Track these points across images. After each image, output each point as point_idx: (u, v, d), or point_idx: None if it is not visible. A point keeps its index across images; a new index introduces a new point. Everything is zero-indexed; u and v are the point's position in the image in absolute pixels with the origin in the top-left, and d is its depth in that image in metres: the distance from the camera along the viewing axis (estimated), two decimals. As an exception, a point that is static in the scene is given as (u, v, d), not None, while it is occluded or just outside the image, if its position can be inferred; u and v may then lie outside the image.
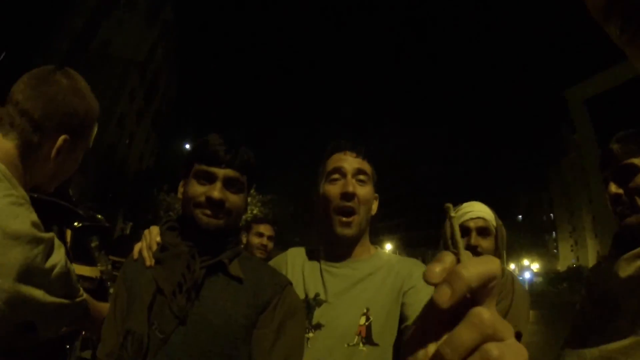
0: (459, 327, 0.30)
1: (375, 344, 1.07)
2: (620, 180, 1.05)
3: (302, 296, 1.18)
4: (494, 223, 1.59)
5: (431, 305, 0.31)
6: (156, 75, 31.41)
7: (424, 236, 63.23)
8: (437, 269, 0.32)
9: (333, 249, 1.26)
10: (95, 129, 1.07)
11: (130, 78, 26.37)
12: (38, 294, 0.82)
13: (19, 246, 0.78)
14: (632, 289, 0.94)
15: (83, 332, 3.18)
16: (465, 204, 1.65)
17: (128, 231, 23.99)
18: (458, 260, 0.33)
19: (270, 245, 2.95)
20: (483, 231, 1.56)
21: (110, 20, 25.30)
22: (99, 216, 4.61)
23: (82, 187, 15.81)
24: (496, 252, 1.56)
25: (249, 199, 1.20)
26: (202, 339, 0.95)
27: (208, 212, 1.03)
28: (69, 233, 3.48)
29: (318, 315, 1.15)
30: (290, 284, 1.11)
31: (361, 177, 1.24)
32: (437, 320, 0.32)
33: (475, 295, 0.31)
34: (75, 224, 3.65)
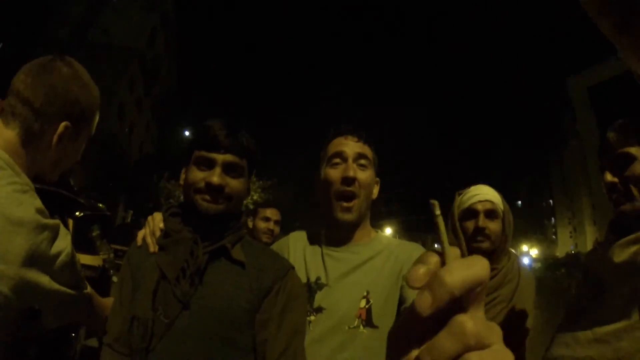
0: (440, 335, 0.29)
1: (375, 327, 1.10)
2: (615, 169, 1.07)
3: (303, 280, 1.19)
4: (502, 206, 1.60)
5: (413, 309, 0.30)
6: (156, 63, 31.11)
7: (424, 220, 63.42)
8: (421, 271, 0.31)
9: (334, 233, 1.27)
10: (97, 117, 1.07)
11: (129, 67, 26.14)
12: (44, 280, 0.82)
13: (24, 233, 0.78)
14: (625, 275, 0.96)
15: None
16: (472, 187, 1.65)
17: (129, 219, 24.02)
18: (444, 262, 0.31)
19: (277, 229, 2.92)
20: (491, 214, 1.56)
21: (109, 8, 25.01)
22: (101, 205, 4.62)
23: (83, 176, 15.81)
24: (503, 235, 1.57)
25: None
26: (206, 324, 0.97)
27: (208, 197, 1.04)
28: (70, 223, 3.50)
29: (319, 298, 1.17)
30: (293, 268, 1.12)
31: (362, 161, 1.24)
32: (420, 324, 0.30)
33: (460, 300, 0.29)
34: (77, 213, 3.66)
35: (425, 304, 0.28)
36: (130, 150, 27.10)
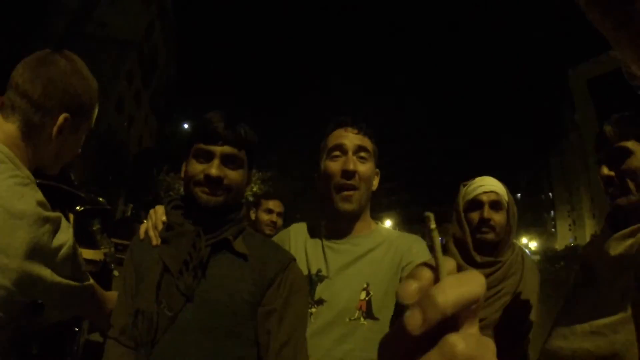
0: (429, 354, 0.28)
1: (376, 318, 1.11)
2: (612, 163, 1.08)
3: (305, 272, 1.20)
4: (506, 198, 1.60)
5: (402, 326, 0.28)
6: (154, 55, 30.99)
7: (424, 213, 63.62)
8: (412, 286, 0.29)
9: (334, 225, 1.28)
10: (97, 109, 1.07)
11: (127, 59, 26.02)
12: (46, 273, 0.83)
13: (26, 226, 0.78)
14: (621, 268, 0.97)
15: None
16: (477, 178, 1.65)
17: (129, 213, 24.07)
18: (437, 277, 0.30)
19: (280, 221, 2.86)
20: (495, 205, 1.56)
21: (105, 1, 24.81)
22: (101, 199, 4.63)
23: (83, 170, 15.81)
24: (507, 227, 1.57)
25: None
26: (209, 316, 0.98)
27: (206, 189, 1.04)
28: (71, 217, 3.50)
29: (320, 290, 1.18)
30: (294, 260, 1.12)
31: (362, 154, 1.24)
32: (410, 339, 0.28)
33: (454, 316, 0.28)
34: (78, 207, 3.66)
35: (415, 323, 0.27)
36: (130, 144, 27.03)
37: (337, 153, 1.25)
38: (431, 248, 0.30)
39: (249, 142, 1.10)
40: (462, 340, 0.27)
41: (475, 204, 1.59)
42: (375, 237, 1.26)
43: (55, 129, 0.94)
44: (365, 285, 1.16)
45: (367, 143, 1.26)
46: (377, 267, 1.18)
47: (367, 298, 1.14)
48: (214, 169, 1.03)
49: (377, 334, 1.08)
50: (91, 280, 1.02)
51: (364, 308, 1.13)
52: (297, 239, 1.33)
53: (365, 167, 1.24)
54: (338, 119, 1.32)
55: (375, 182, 1.31)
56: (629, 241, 0.97)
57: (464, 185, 1.68)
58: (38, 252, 0.81)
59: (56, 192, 3.21)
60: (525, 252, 1.68)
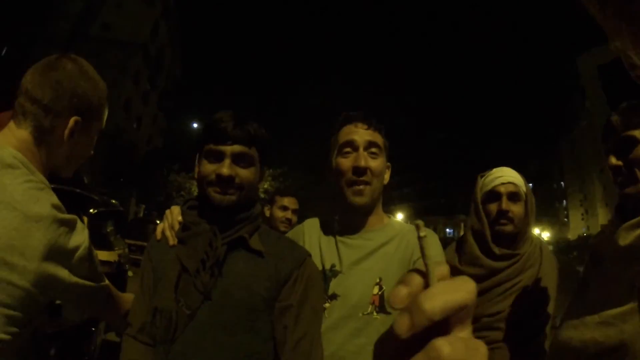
0: (416, 357, 0.28)
1: (388, 313, 1.13)
2: (619, 152, 1.07)
3: (319, 267, 1.22)
4: (524, 189, 1.58)
5: (392, 329, 0.29)
6: (160, 55, 31.08)
7: (436, 204, 63.26)
8: (402, 292, 0.30)
9: (347, 219, 1.30)
10: (106, 111, 1.09)
11: (133, 61, 26.16)
12: (63, 273, 0.85)
13: (42, 228, 0.81)
14: (630, 258, 0.97)
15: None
16: (495, 169, 1.62)
17: (141, 214, 24.28)
18: (427, 284, 0.30)
19: (295, 218, 2.83)
20: (513, 196, 1.54)
21: (109, 3, 24.95)
22: (113, 201, 4.70)
23: (94, 172, 15.99)
24: (525, 218, 1.55)
25: None
26: (226, 313, 1.00)
27: (219, 189, 1.06)
28: (85, 220, 3.56)
29: (334, 285, 1.20)
30: (309, 255, 1.14)
31: (373, 149, 1.25)
32: (400, 342, 0.29)
33: (444, 320, 0.29)
34: (91, 210, 3.72)
35: (403, 327, 0.28)
36: (139, 144, 27.23)
37: (348, 149, 1.25)
38: (422, 255, 0.31)
39: (259, 140, 1.11)
40: (448, 345, 0.28)
41: (493, 195, 1.56)
42: (388, 231, 1.27)
43: (66, 132, 0.96)
44: (377, 280, 1.17)
45: (377, 138, 1.27)
46: (389, 262, 1.20)
47: (379, 292, 1.16)
48: (225, 169, 1.04)
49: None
50: (107, 282, 1.05)
51: (376, 302, 1.15)
52: (311, 235, 1.35)
53: (376, 163, 1.24)
54: (348, 114, 1.32)
55: (387, 176, 1.32)
56: (638, 231, 0.97)
57: (482, 177, 1.65)
58: (55, 254, 0.83)
59: (70, 196, 3.27)
60: (544, 243, 1.65)
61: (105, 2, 24.72)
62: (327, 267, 1.24)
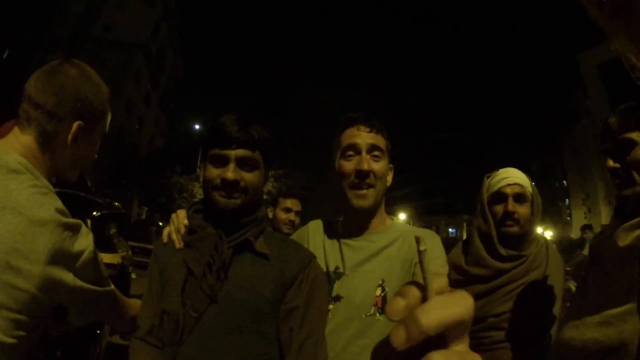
0: None
1: None
2: (617, 154, 1.08)
3: (323, 269, 1.23)
4: (530, 189, 1.58)
5: (388, 341, 0.29)
6: (161, 56, 31.10)
7: (438, 204, 63.09)
8: (400, 304, 0.30)
9: (351, 221, 1.31)
10: (109, 114, 1.09)
11: (134, 62, 26.19)
12: (68, 277, 0.86)
13: (47, 232, 0.82)
14: (629, 258, 0.97)
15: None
16: (501, 170, 1.63)
17: (144, 216, 24.28)
18: (425, 297, 0.30)
19: (298, 220, 2.85)
20: (520, 197, 1.54)
21: (110, 5, 24.97)
22: (116, 204, 4.71)
23: (96, 174, 16.02)
24: (532, 219, 1.56)
25: None
26: (232, 316, 1.02)
27: (224, 193, 1.06)
28: (89, 223, 3.57)
29: (337, 287, 1.22)
30: (314, 257, 1.15)
31: (376, 152, 1.26)
32: (397, 353, 0.29)
33: (440, 336, 0.29)
34: (95, 213, 3.73)
35: (399, 340, 0.28)
36: (141, 146, 27.26)
37: (350, 153, 1.26)
38: (421, 268, 0.31)
39: (263, 143, 1.11)
40: (443, 359, 0.28)
41: (500, 196, 1.56)
42: (391, 233, 1.28)
43: (70, 136, 0.96)
44: (380, 282, 1.19)
45: (379, 141, 1.27)
46: (392, 264, 1.21)
47: (382, 294, 1.17)
48: (229, 173, 1.05)
49: None
50: (112, 286, 1.05)
51: (379, 304, 1.16)
52: (315, 236, 1.36)
53: (379, 166, 1.25)
54: (350, 116, 1.32)
55: (390, 178, 1.32)
56: (637, 232, 0.98)
57: (488, 177, 1.65)
58: (60, 258, 0.84)
59: (74, 199, 3.28)
60: (550, 243, 1.65)
61: (107, 3, 24.72)
62: (331, 269, 1.25)
